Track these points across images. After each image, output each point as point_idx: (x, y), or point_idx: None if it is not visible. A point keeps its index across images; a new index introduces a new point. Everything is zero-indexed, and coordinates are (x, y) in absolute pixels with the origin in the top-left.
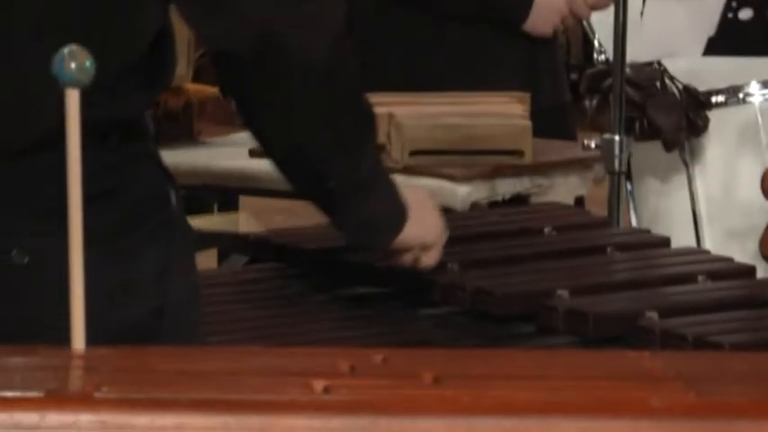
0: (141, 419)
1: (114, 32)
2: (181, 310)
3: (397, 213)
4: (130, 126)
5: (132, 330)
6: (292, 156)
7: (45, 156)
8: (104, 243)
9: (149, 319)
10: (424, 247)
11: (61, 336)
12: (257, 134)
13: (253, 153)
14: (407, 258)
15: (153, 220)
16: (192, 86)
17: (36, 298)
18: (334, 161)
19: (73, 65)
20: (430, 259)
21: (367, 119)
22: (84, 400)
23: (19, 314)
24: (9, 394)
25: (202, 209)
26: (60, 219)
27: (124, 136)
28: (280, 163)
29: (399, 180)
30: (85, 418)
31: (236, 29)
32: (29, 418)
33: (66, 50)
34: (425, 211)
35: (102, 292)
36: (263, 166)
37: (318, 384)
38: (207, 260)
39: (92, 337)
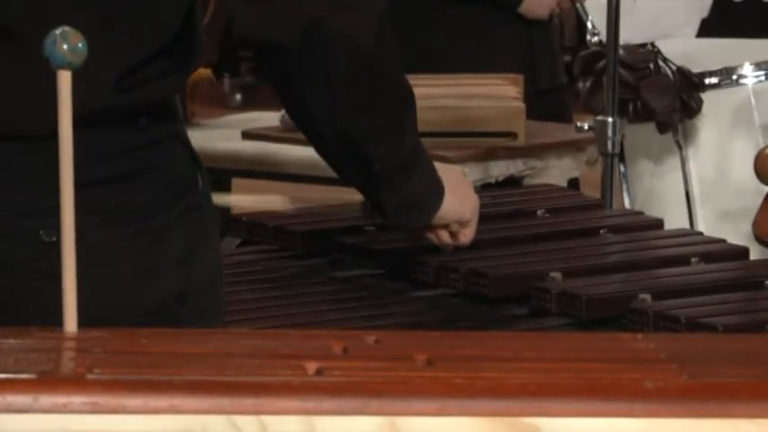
0: (134, 401)
1: (147, 14)
2: (204, 293)
3: (436, 191)
4: (161, 108)
5: (156, 313)
6: (338, 141)
7: None
8: (132, 224)
9: (173, 301)
10: (462, 223)
11: (82, 314)
12: (302, 121)
13: (246, 135)
14: (445, 234)
15: (181, 203)
16: None
17: None
18: (379, 144)
19: (65, 46)
20: (467, 235)
21: (408, 100)
22: (76, 382)
23: (52, 291)
24: (2, 376)
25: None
26: (81, 197)
27: (154, 118)
28: (324, 149)
29: None
30: (78, 399)
31: (287, 17)
32: (21, 400)
33: (58, 32)
34: (462, 187)
35: (129, 273)
36: (257, 148)
37: (311, 366)
38: None
39: (117, 319)
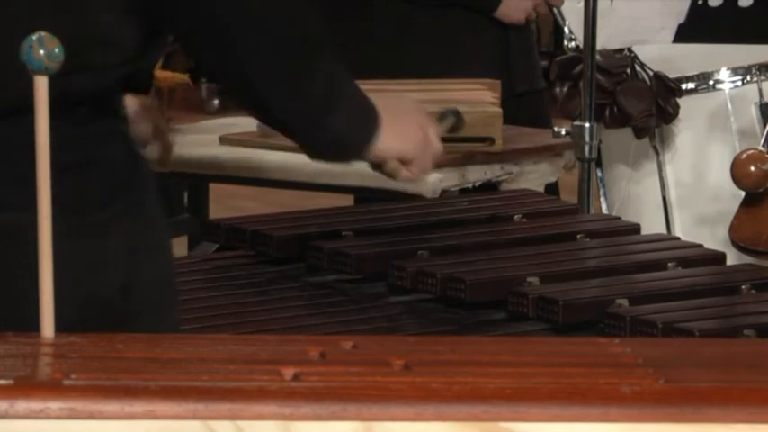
0: (111, 406)
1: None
2: (151, 291)
3: (364, 127)
4: (102, 101)
5: (100, 307)
6: (241, 88)
7: (11, 124)
8: (72, 217)
9: (118, 296)
10: (403, 160)
11: (26, 315)
12: (211, 77)
13: (223, 140)
14: (385, 170)
15: (122, 200)
16: (161, 73)
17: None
18: (276, 88)
19: (42, 51)
20: (412, 172)
21: (313, 41)
22: (53, 388)
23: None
24: None
25: (173, 195)
26: (17, 191)
27: (95, 110)
28: (236, 99)
29: (367, 168)
30: (55, 405)
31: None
32: None
33: (34, 37)
34: (402, 121)
35: (71, 267)
36: (234, 153)
37: (288, 371)
38: (177, 247)
39: (60, 313)
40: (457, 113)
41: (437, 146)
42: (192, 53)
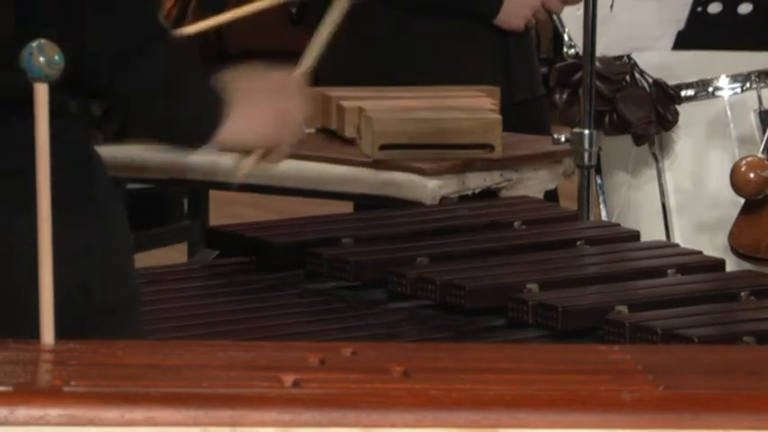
0: (111, 413)
1: None
2: (111, 287)
3: (208, 116)
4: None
5: (60, 306)
6: (86, 72)
7: None
8: (25, 218)
9: (78, 294)
10: (252, 150)
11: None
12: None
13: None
14: (235, 159)
15: (73, 198)
16: None
17: None
18: (106, 73)
19: (42, 59)
20: (267, 159)
21: (146, 28)
22: (53, 395)
23: None
24: None
25: (173, 203)
26: None
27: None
28: (84, 84)
29: (367, 175)
30: (54, 412)
31: None
32: None
33: (34, 44)
34: (256, 111)
35: (27, 266)
36: (233, 160)
37: (288, 378)
38: (177, 253)
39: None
40: None
41: (297, 130)
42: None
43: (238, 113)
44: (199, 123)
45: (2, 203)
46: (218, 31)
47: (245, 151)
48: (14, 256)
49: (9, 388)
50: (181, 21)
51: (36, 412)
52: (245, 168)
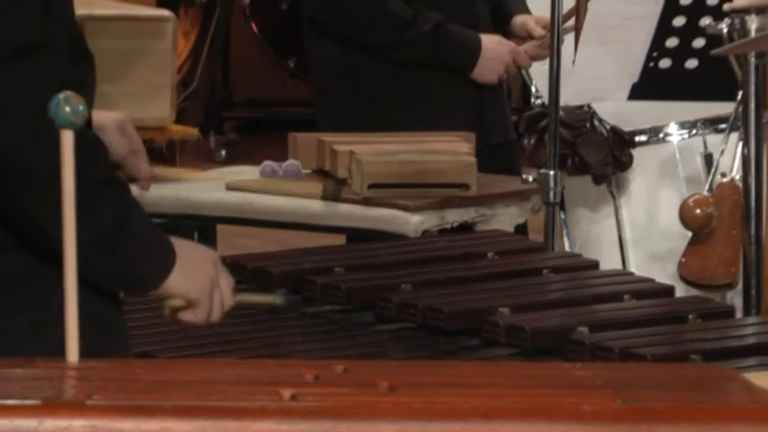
0: (128, 424)
1: None
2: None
3: (157, 264)
4: None
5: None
6: (29, 229)
7: None
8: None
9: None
10: (189, 301)
11: None
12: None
13: (229, 186)
14: (170, 305)
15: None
16: (174, 127)
17: None
18: (56, 226)
19: (68, 108)
20: (196, 314)
21: (102, 186)
22: (77, 408)
23: None
24: (9, 402)
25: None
26: None
27: None
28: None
29: (357, 211)
30: (78, 423)
31: None
32: (27, 423)
33: (61, 96)
34: (194, 266)
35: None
36: (239, 197)
37: (286, 392)
38: None
39: None
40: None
41: (227, 297)
42: None
43: (180, 266)
44: (148, 272)
45: None
46: (226, 80)
47: (176, 300)
48: None
49: (38, 401)
50: (193, 73)
51: (62, 423)
52: (171, 308)
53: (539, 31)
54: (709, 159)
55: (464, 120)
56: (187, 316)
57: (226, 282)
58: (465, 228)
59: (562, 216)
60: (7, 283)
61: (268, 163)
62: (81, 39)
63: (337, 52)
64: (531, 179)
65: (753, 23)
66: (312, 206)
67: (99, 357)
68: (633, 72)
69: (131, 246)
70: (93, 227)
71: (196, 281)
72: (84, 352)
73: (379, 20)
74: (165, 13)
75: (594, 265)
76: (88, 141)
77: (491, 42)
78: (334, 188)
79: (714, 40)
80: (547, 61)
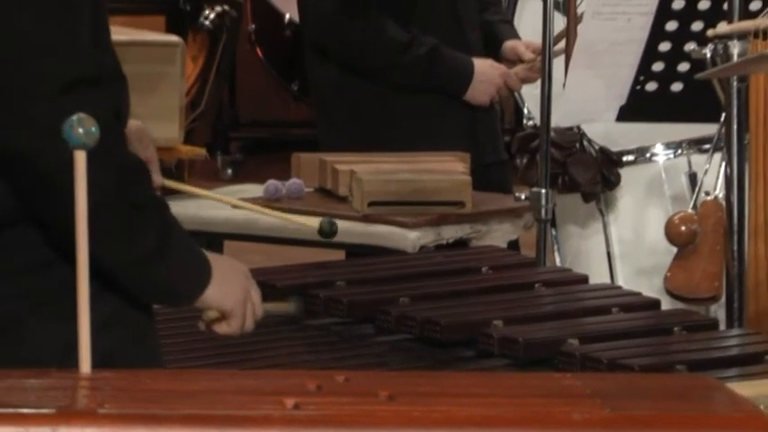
0: None
1: None
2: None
3: (195, 278)
4: None
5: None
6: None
7: None
8: None
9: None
10: (223, 314)
11: None
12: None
13: (235, 205)
14: (205, 318)
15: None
16: (183, 147)
17: None
18: (102, 247)
19: (81, 130)
20: (230, 326)
21: (143, 207)
22: (89, 416)
23: None
24: (25, 411)
25: None
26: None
27: None
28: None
29: (357, 227)
30: (91, 431)
31: None
32: (42, 431)
33: (74, 118)
34: (229, 279)
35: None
36: (244, 215)
37: (289, 401)
38: None
39: None
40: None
41: (258, 307)
42: (35, 213)
43: (216, 279)
44: (188, 285)
45: None
46: (232, 102)
47: (211, 312)
48: None
49: (52, 410)
50: (201, 96)
51: (75, 431)
52: (206, 322)
53: (528, 55)
54: (693, 178)
55: (458, 140)
56: (222, 328)
57: (256, 293)
58: (460, 243)
59: (553, 232)
60: (48, 297)
61: (272, 182)
62: (117, 61)
63: (337, 76)
64: (523, 197)
65: (735, 48)
66: (314, 224)
67: (135, 366)
68: (621, 95)
69: (172, 263)
70: (138, 246)
71: (231, 293)
72: (120, 361)
73: (377, 44)
74: (175, 38)
75: (584, 279)
76: (134, 165)
77: (483, 66)
78: (330, 226)
79: (698, 64)
80: (538, 84)
